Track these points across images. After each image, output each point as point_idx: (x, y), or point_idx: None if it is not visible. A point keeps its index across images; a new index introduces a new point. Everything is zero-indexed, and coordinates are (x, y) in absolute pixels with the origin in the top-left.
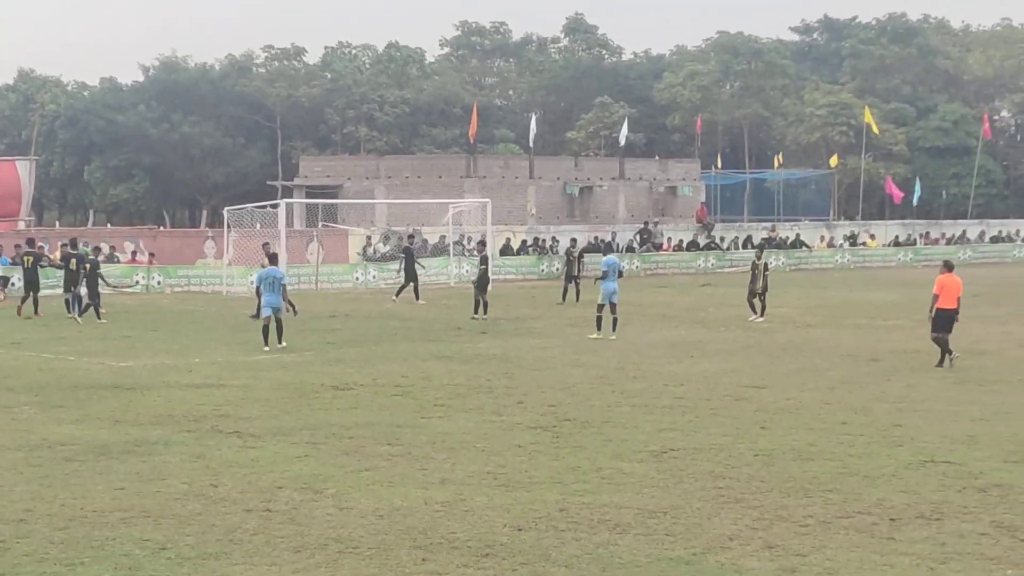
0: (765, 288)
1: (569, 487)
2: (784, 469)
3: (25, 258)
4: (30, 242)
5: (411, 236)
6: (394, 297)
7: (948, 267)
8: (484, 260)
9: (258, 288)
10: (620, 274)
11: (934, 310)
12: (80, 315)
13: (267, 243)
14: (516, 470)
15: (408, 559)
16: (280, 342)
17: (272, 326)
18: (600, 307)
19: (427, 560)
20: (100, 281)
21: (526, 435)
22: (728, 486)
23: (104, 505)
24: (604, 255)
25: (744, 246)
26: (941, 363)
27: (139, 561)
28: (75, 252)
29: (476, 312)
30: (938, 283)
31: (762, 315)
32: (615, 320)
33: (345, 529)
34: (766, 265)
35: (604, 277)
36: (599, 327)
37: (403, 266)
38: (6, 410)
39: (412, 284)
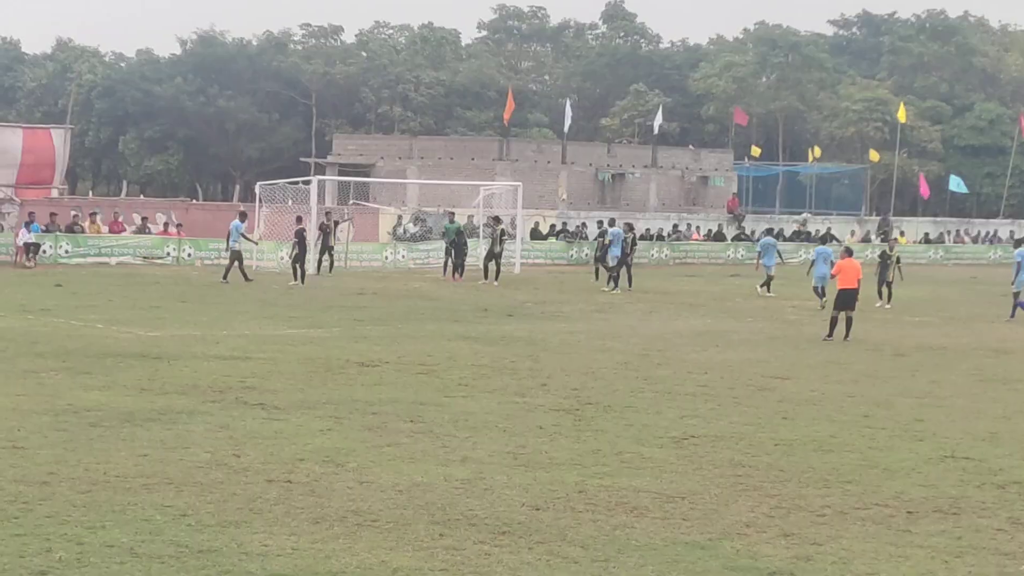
0: (894, 279)
1: (588, 469)
2: (804, 459)
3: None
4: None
5: (496, 219)
6: (494, 281)
7: (848, 252)
8: (492, 233)
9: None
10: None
11: (837, 291)
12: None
13: (300, 217)
14: (536, 451)
15: (426, 534)
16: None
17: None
18: (612, 268)
19: (444, 536)
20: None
21: (548, 417)
22: (747, 474)
23: (127, 471)
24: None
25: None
26: (830, 336)
27: (159, 526)
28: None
29: (486, 278)
30: (838, 266)
31: (890, 302)
32: (618, 278)
33: (365, 502)
34: (898, 258)
35: (611, 245)
36: (609, 283)
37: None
38: (34, 375)
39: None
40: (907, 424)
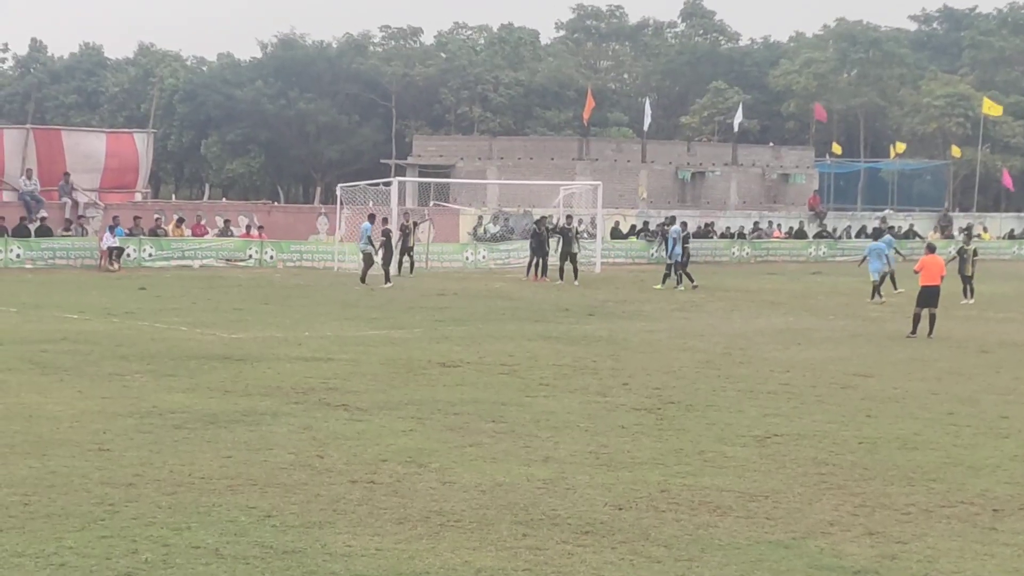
0: (973, 273)
1: (671, 469)
2: (888, 457)
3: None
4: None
5: (568, 217)
6: (575, 281)
7: (931, 249)
8: (565, 232)
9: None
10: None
11: (920, 288)
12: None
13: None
14: (618, 450)
15: (509, 534)
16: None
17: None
18: (670, 266)
19: (527, 535)
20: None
21: (630, 416)
22: (831, 472)
23: (212, 472)
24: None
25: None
26: (914, 333)
27: (244, 527)
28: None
29: (561, 278)
30: (921, 262)
31: (972, 297)
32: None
33: (448, 503)
34: (975, 251)
35: (675, 245)
36: (664, 282)
37: (560, 247)
38: (119, 378)
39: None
40: (992, 421)
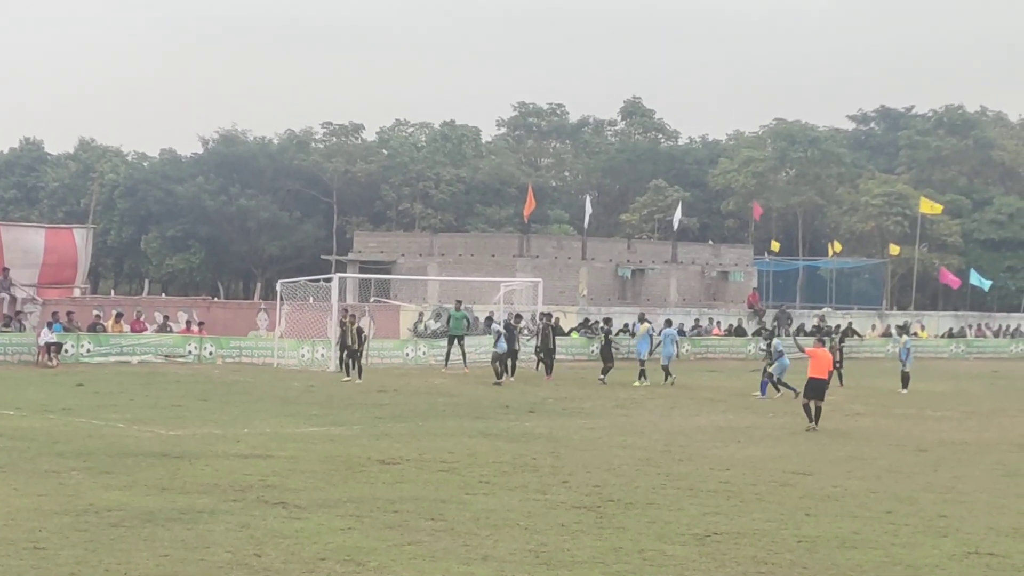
0: (841, 362)
1: (611, 567)
2: (827, 556)
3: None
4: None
5: (518, 316)
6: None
7: (821, 342)
8: (508, 328)
9: None
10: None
11: (808, 379)
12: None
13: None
14: (558, 549)
15: None
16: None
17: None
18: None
19: None
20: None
21: (570, 514)
22: (770, 571)
23: (148, 571)
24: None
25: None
26: (814, 424)
27: None
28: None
29: (500, 379)
30: (810, 353)
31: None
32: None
33: None
34: (842, 338)
35: (644, 343)
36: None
37: (600, 349)
38: (55, 475)
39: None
40: (930, 520)
